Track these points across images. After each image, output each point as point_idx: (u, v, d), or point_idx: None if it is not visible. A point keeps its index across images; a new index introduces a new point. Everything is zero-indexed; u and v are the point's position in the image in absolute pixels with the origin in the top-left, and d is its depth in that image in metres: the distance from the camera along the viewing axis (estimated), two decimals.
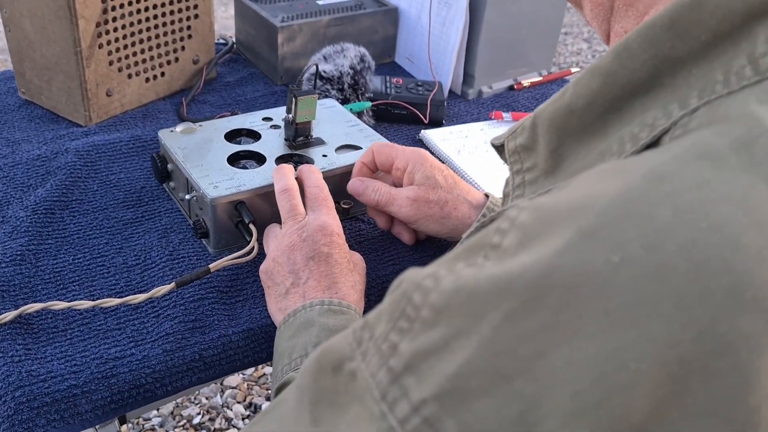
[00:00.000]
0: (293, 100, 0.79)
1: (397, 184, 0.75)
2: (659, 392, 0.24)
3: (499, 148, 0.44)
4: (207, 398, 1.61)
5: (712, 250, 0.25)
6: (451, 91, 1.14)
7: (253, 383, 1.66)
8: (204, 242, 0.76)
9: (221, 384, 1.64)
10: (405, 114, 1.02)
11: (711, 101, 0.31)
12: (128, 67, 0.97)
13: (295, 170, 0.74)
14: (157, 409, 1.55)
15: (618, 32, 0.41)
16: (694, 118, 0.31)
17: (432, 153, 0.97)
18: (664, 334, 0.24)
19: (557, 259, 0.26)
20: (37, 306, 0.64)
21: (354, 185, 0.75)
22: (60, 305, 0.64)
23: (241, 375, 1.67)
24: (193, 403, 1.59)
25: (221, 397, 1.61)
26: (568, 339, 0.25)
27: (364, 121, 0.99)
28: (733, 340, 0.24)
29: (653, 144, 0.32)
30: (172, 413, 1.56)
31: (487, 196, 0.75)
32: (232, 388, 1.64)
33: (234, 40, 1.21)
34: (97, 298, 0.67)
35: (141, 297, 0.66)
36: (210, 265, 0.68)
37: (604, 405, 0.25)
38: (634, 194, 0.27)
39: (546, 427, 0.26)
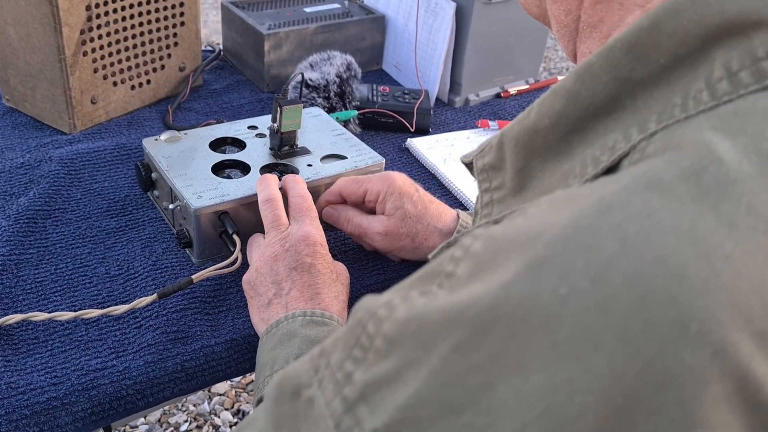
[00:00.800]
0: (278, 109, 0.79)
1: (371, 212, 0.76)
2: (605, 426, 0.24)
3: (469, 166, 0.44)
4: (195, 405, 1.60)
5: (656, 281, 0.25)
6: (437, 99, 1.14)
7: (241, 390, 1.65)
8: (188, 252, 0.76)
9: (209, 391, 1.63)
10: (391, 122, 1.02)
11: (669, 126, 0.31)
12: (113, 74, 0.97)
13: (280, 180, 0.74)
14: (144, 417, 1.54)
15: (584, 53, 0.41)
16: (652, 142, 0.31)
17: (418, 161, 0.97)
18: (609, 367, 0.24)
19: (505, 290, 0.26)
20: (17, 317, 0.64)
21: (327, 213, 0.77)
22: (41, 316, 0.64)
23: (229, 382, 1.66)
24: (180, 410, 1.59)
25: (209, 404, 1.60)
26: (516, 371, 0.25)
27: (351, 130, 0.99)
28: (678, 374, 0.24)
29: (614, 167, 0.32)
30: (159, 420, 1.55)
31: (458, 215, 0.75)
32: (220, 395, 1.63)
33: (221, 47, 1.21)
34: (79, 309, 0.67)
35: (123, 308, 0.65)
36: (193, 276, 0.68)
37: None
38: (582, 225, 0.27)
39: None
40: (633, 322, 0.24)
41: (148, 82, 1.02)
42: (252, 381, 1.68)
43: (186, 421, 1.56)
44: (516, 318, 0.26)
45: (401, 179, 0.74)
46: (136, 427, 1.53)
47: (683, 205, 0.26)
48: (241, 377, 1.67)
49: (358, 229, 0.75)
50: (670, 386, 0.24)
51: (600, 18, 0.39)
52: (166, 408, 1.58)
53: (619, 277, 0.25)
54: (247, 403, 1.62)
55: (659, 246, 0.25)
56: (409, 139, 1.00)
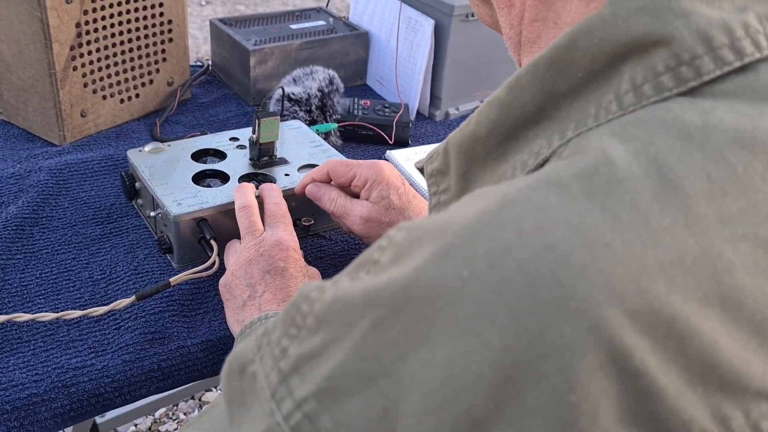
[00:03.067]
0: (257, 121, 0.82)
1: (355, 195, 0.78)
2: (497, 392, 0.28)
3: (422, 171, 0.47)
4: (185, 414, 1.62)
5: (545, 267, 0.28)
6: (418, 113, 1.18)
7: None
8: (168, 257, 0.79)
9: (199, 400, 1.66)
10: (371, 135, 1.06)
11: (582, 133, 0.34)
12: (103, 89, 1.00)
13: (257, 188, 0.77)
14: (135, 426, 1.57)
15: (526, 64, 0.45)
16: (568, 147, 0.34)
17: None
18: (502, 341, 0.28)
19: (417, 273, 0.30)
20: (1, 318, 0.67)
21: (311, 190, 0.78)
22: (24, 317, 0.67)
23: (219, 391, 1.68)
24: (171, 419, 1.61)
25: (199, 412, 1.63)
26: (424, 345, 0.29)
27: (332, 142, 1.02)
28: (559, 346, 0.27)
29: (537, 169, 0.35)
30: (149, 429, 1.58)
31: None
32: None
33: (210, 62, 1.25)
34: (61, 311, 0.70)
35: (102, 309, 0.68)
36: (170, 279, 0.71)
37: (451, 403, 0.28)
38: (487, 217, 0.30)
39: (404, 423, 0.29)
40: (523, 302, 0.28)
41: (137, 95, 1.06)
42: None
43: (176, 429, 1.58)
44: (425, 298, 0.29)
45: (390, 170, 0.77)
46: None
47: (575, 201, 0.30)
48: None
49: (341, 209, 0.77)
50: (552, 357, 0.27)
51: (538, 34, 0.43)
52: (157, 416, 1.60)
53: (513, 263, 0.28)
54: None
55: (550, 236, 0.29)
56: (388, 151, 1.04)
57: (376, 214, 0.75)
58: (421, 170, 0.48)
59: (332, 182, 0.79)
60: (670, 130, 0.32)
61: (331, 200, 0.77)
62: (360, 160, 0.78)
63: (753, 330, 0.30)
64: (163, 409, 1.62)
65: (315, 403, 0.32)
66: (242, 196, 0.75)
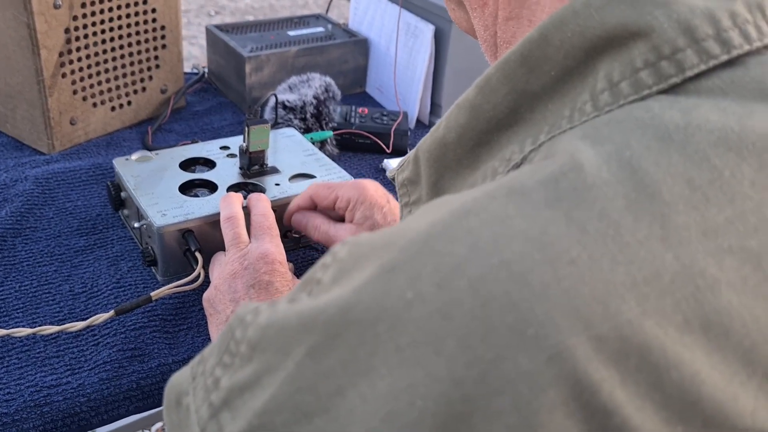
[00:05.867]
0: (246, 129, 0.80)
1: (341, 218, 0.76)
2: (444, 430, 0.24)
3: (393, 181, 0.44)
4: None
5: (499, 286, 0.24)
6: (418, 121, 1.15)
7: None
8: (153, 270, 0.76)
9: None
10: (368, 143, 1.03)
11: (555, 136, 0.31)
12: (93, 96, 0.98)
13: (245, 199, 0.75)
14: None
15: None
16: (539, 152, 0.31)
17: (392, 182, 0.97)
18: (449, 372, 0.24)
19: (356, 295, 0.26)
20: None
21: (296, 220, 0.77)
22: None
23: None
24: None
25: None
26: (363, 376, 0.25)
27: (328, 150, 0.99)
28: (514, 379, 0.24)
29: None
30: None
31: None
32: None
33: (206, 69, 1.23)
34: (38, 326, 0.67)
35: (80, 324, 0.66)
36: (152, 293, 0.68)
37: None
38: (437, 229, 0.26)
39: None
40: (474, 328, 0.24)
41: (129, 103, 1.04)
42: None
43: None
44: (365, 323, 0.26)
45: (373, 188, 0.74)
46: None
47: (537, 210, 0.26)
48: None
49: (325, 236, 0.75)
50: (507, 391, 0.24)
51: (512, 34, 0.39)
52: (153, 431, 1.57)
53: (464, 282, 0.25)
54: None
55: (506, 251, 0.25)
56: (385, 160, 1.01)
57: None
58: (393, 180, 0.44)
59: (317, 207, 0.76)
60: (647, 130, 0.28)
61: (315, 228, 0.75)
62: (342, 182, 0.76)
63: (741, 359, 0.26)
64: (159, 424, 1.58)
65: None
66: (228, 206, 0.72)
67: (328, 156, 0.89)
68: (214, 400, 0.30)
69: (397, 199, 0.77)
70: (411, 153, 0.40)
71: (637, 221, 0.26)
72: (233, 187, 0.80)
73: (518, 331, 0.24)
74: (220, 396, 0.30)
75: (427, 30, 1.07)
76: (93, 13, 0.93)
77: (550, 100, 0.32)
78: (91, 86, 0.97)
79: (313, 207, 0.77)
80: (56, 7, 0.88)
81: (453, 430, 0.24)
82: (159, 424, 1.58)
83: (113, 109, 1.02)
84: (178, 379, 0.34)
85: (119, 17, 0.96)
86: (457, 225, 0.26)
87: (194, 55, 3.55)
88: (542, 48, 0.32)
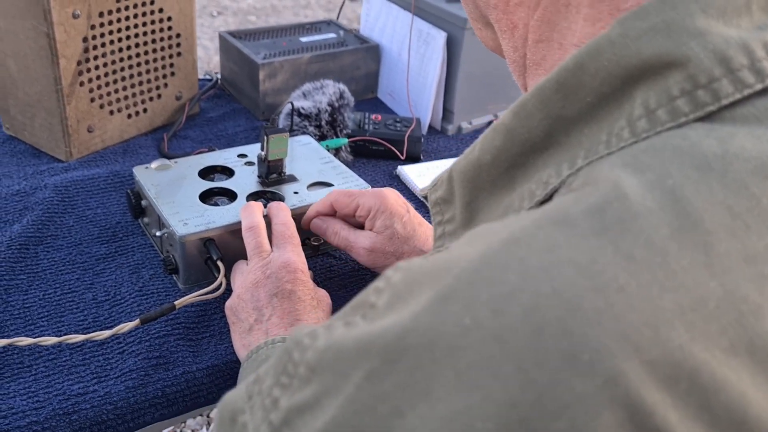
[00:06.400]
0: (265, 137, 0.80)
1: (360, 225, 0.77)
2: None
3: (426, 199, 0.45)
4: (193, 431, 1.60)
5: (552, 313, 0.25)
6: (431, 127, 1.16)
7: None
8: (174, 278, 0.77)
9: (207, 416, 1.64)
10: (382, 150, 1.04)
11: (593, 161, 0.32)
12: (110, 104, 0.99)
13: (265, 207, 0.76)
14: None
15: (532, 87, 0.43)
16: (578, 177, 0.32)
17: (408, 188, 0.98)
18: (506, 395, 0.25)
19: (414, 321, 0.27)
20: (2, 342, 0.65)
21: (316, 225, 0.78)
22: (25, 341, 0.65)
23: None
24: None
25: (207, 429, 1.61)
26: (422, 399, 0.26)
27: (342, 157, 1.00)
28: (570, 402, 0.24)
29: (546, 201, 0.33)
30: None
31: None
32: None
33: (219, 76, 1.24)
34: (64, 334, 0.68)
35: (106, 333, 0.66)
36: (176, 302, 0.69)
37: None
38: (489, 258, 0.28)
39: None
40: (528, 353, 0.25)
41: (145, 110, 1.04)
42: None
43: None
44: (422, 347, 0.27)
45: (393, 198, 0.75)
46: None
47: (584, 239, 0.27)
48: None
49: (344, 242, 0.76)
50: (563, 414, 0.24)
51: (542, 56, 0.40)
52: None
53: (518, 308, 0.26)
54: None
55: (557, 279, 0.26)
56: (399, 167, 1.01)
57: (379, 244, 0.74)
58: (426, 198, 0.45)
59: (337, 213, 0.77)
60: (686, 159, 0.29)
61: (335, 233, 0.76)
62: (363, 190, 0.77)
63: None
64: (170, 428, 1.59)
65: None
66: (249, 215, 0.73)
67: (342, 163, 0.90)
68: (274, 420, 0.31)
69: (428, 216, 0.79)
70: (444, 173, 0.41)
71: (682, 249, 0.27)
72: (252, 196, 0.81)
73: (572, 356, 0.25)
74: (280, 416, 0.31)
75: (440, 37, 1.08)
76: (110, 22, 0.94)
77: (586, 125, 0.33)
78: (108, 94, 0.98)
79: (333, 213, 0.78)
80: (75, 17, 0.89)
81: None
82: (170, 428, 1.59)
83: (129, 116, 1.03)
84: (233, 397, 0.35)
85: (135, 26, 0.97)
86: (508, 253, 0.27)
87: (198, 56, 3.55)
88: (578, 76, 0.33)
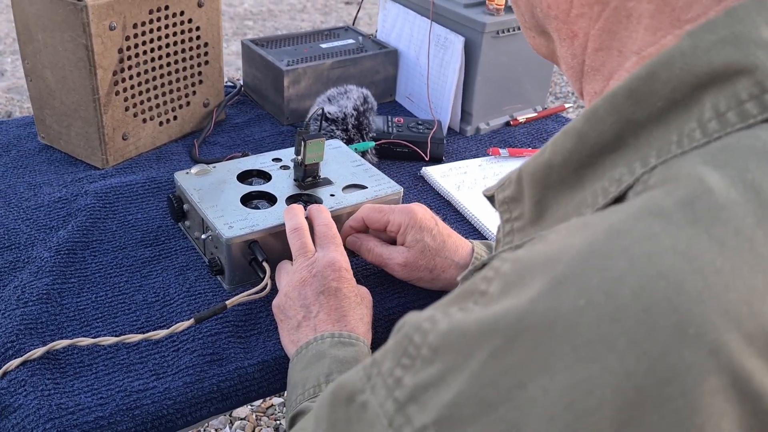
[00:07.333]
0: (302, 143, 0.84)
1: (392, 240, 0.80)
2: (620, 416, 0.29)
3: (491, 198, 0.48)
4: (216, 430, 1.63)
5: (659, 293, 0.29)
6: (449, 129, 1.19)
7: (262, 414, 1.69)
8: (219, 279, 0.80)
9: (230, 416, 1.67)
10: (406, 152, 1.07)
11: (667, 160, 0.35)
12: (143, 112, 1.02)
13: (305, 210, 0.79)
14: None
15: (589, 92, 0.46)
16: (653, 175, 0.35)
17: (433, 189, 1.02)
18: (622, 366, 0.29)
19: (533, 304, 0.31)
20: (65, 342, 0.68)
21: (351, 242, 0.81)
22: (86, 341, 0.68)
23: (249, 406, 1.70)
24: None
25: (230, 428, 1.64)
26: (543, 372, 0.30)
27: (368, 160, 1.04)
28: (680, 370, 0.28)
29: (620, 197, 0.37)
30: None
31: (473, 248, 0.79)
32: (241, 419, 1.67)
33: (241, 82, 1.27)
34: (120, 334, 0.71)
35: (162, 332, 0.70)
36: (227, 302, 0.73)
37: (575, 427, 0.29)
38: (596, 247, 0.31)
39: None
40: (640, 328, 0.29)
41: (175, 118, 1.08)
42: (272, 405, 1.71)
43: None
44: (542, 327, 0.30)
45: (422, 212, 0.79)
46: None
47: (680, 229, 0.31)
48: (261, 401, 1.70)
49: (378, 259, 0.79)
50: (674, 380, 0.28)
51: (602, 62, 0.44)
52: None
53: (628, 290, 0.29)
54: (268, 427, 1.65)
55: (660, 264, 0.30)
56: (423, 168, 1.05)
57: (412, 258, 0.77)
58: (490, 198, 0.49)
59: (369, 229, 0.81)
60: (761, 155, 0.33)
61: (369, 250, 0.80)
62: (393, 206, 0.80)
63: None
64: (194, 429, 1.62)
65: (435, 431, 0.32)
66: (293, 218, 0.76)
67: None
68: (399, 396, 0.34)
69: (455, 226, 0.81)
70: (512, 174, 0.45)
71: (767, 235, 0.31)
72: (291, 199, 0.84)
73: (681, 330, 0.29)
74: (405, 392, 0.34)
75: (458, 42, 1.12)
76: (143, 33, 0.97)
77: (655, 128, 0.37)
78: (141, 103, 1.01)
79: (365, 228, 0.81)
80: (111, 28, 0.92)
81: (627, 414, 0.29)
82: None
83: (161, 123, 1.06)
84: (349, 380, 0.38)
85: (167, 36, 1.01)
86: (613, 243, 0.31)
87: None
88: (649, 84, 0.37)
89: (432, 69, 1.18)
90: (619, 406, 0.29)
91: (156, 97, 1.03)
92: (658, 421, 0.28)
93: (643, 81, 0.37)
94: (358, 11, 1.40)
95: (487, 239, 0.91)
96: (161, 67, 1.02)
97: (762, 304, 0.29)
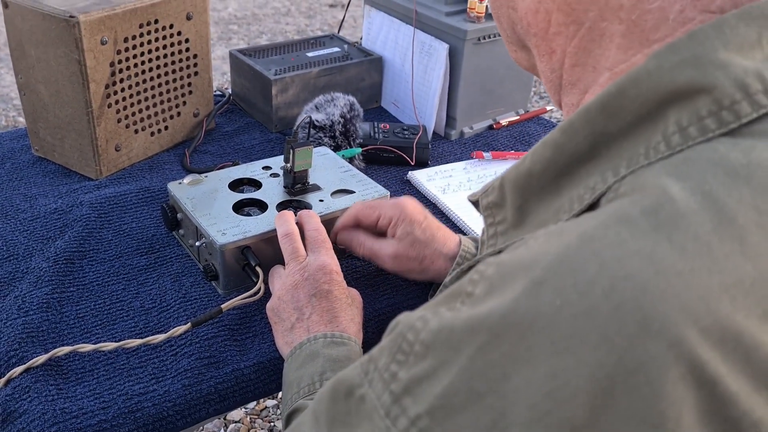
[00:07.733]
0: (291, 151, 0.87)
1: (382, 234, 0.83)
2: (594, 402, 0.32)
3: (475, 203, 0.51)
4: None
5: (627, 293, 0.33)
6: (434, 133, 1.22)
7: (256, 416, 1.71)
8: (214, 284, 0.83)
9: (224, 419, 1.69)
10: (393, 157, 1.10)
11: (635, 170, 0.39)
12: (135, 123, 1.05)
13: (295, 215, 0.82)
14: None
15: (567, 104, 0.49)
16: (623, 184, 0.39)
17: (419, 192, 1.05)
18: (594, 357, 0.32)
19: (515, 303, 0.35)
20: (67, 349, 0.71)
21: (342, 238, 0.84)
22: (87, 347, 0.71)
23: (243, 409, 1.72)
24: None
25: (225, 431, 1.66)
26: (524, 364, 0.34)
27: (356, 165, 1.07)
28: (645, 361, 0.32)
29: (594, 204, 0.40)
30: None
31: (461, 241, 0.82)
32: (236, 422, 1.69)
33: (230, 91, 1.29)
34: (120, 340, 0.74)
35: (160, 337, 0.72)
36: (222, 306, 0.75)
37: (554, 413, 0.33)
38: (571, 252, 0.35)
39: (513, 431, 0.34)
40: (610, 324, 0.32)
41: (166, 128, 1.10)
42: (266, 407, 1.74)
43: None
44: (523, 324, 0.34)
45: (412, 206, 0.82)
46: None
47: (645, 235, 0.34)
48: (255, 404, 1.73)
49: (369, 252, 0.82)
50: (640, 370, 0.32)
51: (578, 77, 0.47)
52: None
53: (599, 291, 0.33)
54: (262, 429, 1.68)
55: (628, 267, 0.33)
56: (410, 172, 1.08)
57: (402, 250, 0.80)
58: (474, 203, 0.52)
59: (360, 225, 0.84)
60: (718, 168, 0.36)
61: (360, 244, 0.83)
62: (383, 201, 0.83)
63: None
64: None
65: (429, 419, 0.36)
66: (284, 224, 0.79)
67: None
68: (395, 389, 0.38)
69: (444, 220, 0.84)
70: (495, 181, 0.48)
71: (722, 241, 0.34)
72: (281, 205, 0.87)
73: (645, 326, 0.32)
74: (400, 385, 0.38)
75: (442, 49, 1.15)
76: (134, 47, 1.00)
77: (625, 140, 0.40)
78: (133, 114, 1.04)
79: (356, 225, 0.84)
80: (103, 43, 0.95)
81: (601, 399, 0.32)
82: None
83: (152, 134, 1.08)
84: (347, 375, 0.42)
85: (157, 48, 1.03)
86: (585, 248, 0.35)
87: None
88: (619, 100, 0.40)
89: (416, 75, 1.21)
90: (593, 393, 0.32)
91: (147, 108, 1.06)
92: (626, 406, 0.32)
93: (613, 97, 0.41)
94: (344, 17, 1.43)
95: None
96: (152, 79, 1.04)
97: (717, 303, 0.33)
